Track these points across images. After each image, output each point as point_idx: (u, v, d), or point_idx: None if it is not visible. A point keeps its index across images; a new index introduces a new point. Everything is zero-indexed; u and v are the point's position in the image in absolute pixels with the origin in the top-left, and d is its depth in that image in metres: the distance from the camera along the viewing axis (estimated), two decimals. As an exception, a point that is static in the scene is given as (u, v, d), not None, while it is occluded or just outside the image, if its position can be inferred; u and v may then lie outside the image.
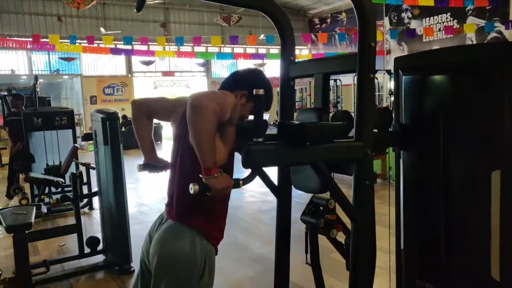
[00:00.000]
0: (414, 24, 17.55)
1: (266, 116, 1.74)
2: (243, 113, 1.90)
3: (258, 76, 2.01)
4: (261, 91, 1.52)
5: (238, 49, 21.18)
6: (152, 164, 2.07)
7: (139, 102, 2.03)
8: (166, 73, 21.36)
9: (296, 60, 2.23)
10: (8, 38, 14.84)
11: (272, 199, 6.58)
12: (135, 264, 3.93)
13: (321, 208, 2.04)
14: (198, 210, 1.84)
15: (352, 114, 1.97)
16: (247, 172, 1.63)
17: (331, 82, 15.23)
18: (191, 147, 1.62)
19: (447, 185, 1.93)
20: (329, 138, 1.73)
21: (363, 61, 1.79)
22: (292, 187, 2.19)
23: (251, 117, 1.91)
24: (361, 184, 1.82)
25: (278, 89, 2.25)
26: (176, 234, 1.82)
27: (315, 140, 1.65)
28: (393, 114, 2.14)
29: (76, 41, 14.50)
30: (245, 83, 1.93)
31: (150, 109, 2.01)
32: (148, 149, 2.06)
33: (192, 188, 1.49)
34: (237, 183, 1.57)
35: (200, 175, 1.56)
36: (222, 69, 22.94)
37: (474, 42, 15.01)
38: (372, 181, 1.90)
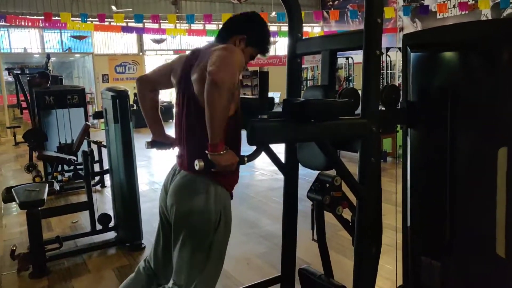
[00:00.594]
0: (428, 1, 17.17)
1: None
2: (245, 59, 1.88)
3: (254, 19, 1.99)
4: (265, 69, 1.52)
5: (249, 27, 20.95)
6: (160, 141, 2.09)
7: (140, 78, 2.05)
8: (178, 51, 21.29)
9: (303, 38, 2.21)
10: (20, 16, 14.89)
11: (282, 177, 6.59)
12: (146, 241, 4.00)
13: (327, 185, 2.05)
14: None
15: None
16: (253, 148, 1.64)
17: (343, 60, 15.06)
18: (195, 97, 1.62)
19: (454, 163, 1.93)
20: (334, 115, 1.72)
21: (369, 37, 1.78)
22: (299, 165, 2.20)
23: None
24: (367, 161, 1.82)
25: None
26: (190, 186, 1.85)
27: (320, 117, 1.64)
28: (401, 92, 2.12)
29: (88, 19, 14.49)
30: (243, 27, 1.92)
31: (150, 82, 2.02)
32: (156, 126, 2.07)
33: (198, 165, 1.51)
34: (242, 160, 1.58)
35: (206, 151, 1.57)
36: (233, 47, 22.78)
37: (489, 18, 14.67)
38: (378, 159, 1.90)
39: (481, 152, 1.87)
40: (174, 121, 2.01)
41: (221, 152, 1.55)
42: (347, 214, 2.09)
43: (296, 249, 2.39)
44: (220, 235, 1.87)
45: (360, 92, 1.88)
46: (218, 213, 1.84)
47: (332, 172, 2.04)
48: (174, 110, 2.04)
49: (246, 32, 1.89)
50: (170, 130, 2.11)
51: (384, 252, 2.11)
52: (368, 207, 1.87)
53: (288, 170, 2.28)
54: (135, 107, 4.58)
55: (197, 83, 1.76)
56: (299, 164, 2.25)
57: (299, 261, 2.65)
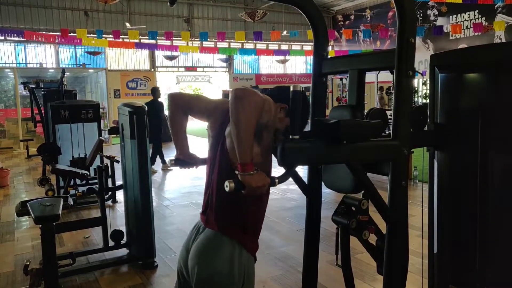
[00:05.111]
0: (440, 22, 17.22)
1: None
2: (280, 126, 1.84)
3: (299, 94, 1.96)
4: (298, 87, 1.47)
5: (260, 45, 21.14)
6: (184, 159, 2.04)
7: (177, 95, 1.99)
8: (189, 68, 21.47)
9: (330, 56, 2.17)
10: (37, 32, 15.12)
11: (295, 196, 6.58)
12: (158, 259, 3.94)
13: (353, 208, 1.99)
14: (238, 218, 1.81)
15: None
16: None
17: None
18: (228, 154, 1.58)
19: (485, 187, 1.86)
20: (365, 136, 1.67)
21: (402, 57, 1.73)
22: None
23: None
24: (397, 185, 1.77)
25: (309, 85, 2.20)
26: (215, 246, 1.79)
27: (352, 138, 1.59)
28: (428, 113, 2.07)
29: (102, 35, 14.68)
30: (286, 98, 1.88)
31: (187, 105, 1.97)
32: (181, 144, 2.03)
33: (228, 186, 1.46)
34: (273, 182, 1.53)
35: (236, 172, 1.52)
36: (244, 65, 22.94)
37: (503, 41, 14.63)
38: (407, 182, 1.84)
39: (513, 176, 1.80)
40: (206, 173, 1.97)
41: (251, 172, 1.50)
42: (370, 239, 2.03)
43: (317, 274, 2.31)
44: None
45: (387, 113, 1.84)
46: (241, 276, 1.78)
47: (357, 195, 1.99)
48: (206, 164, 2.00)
49: (288, 102, 1.86)
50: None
51: (407, 280, 2.04)
52: (399, 231, 1.80)
53: (311, 192, 2.21)
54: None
55: (230, 137, 1.72)
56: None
57: (317, 285, 2.57)
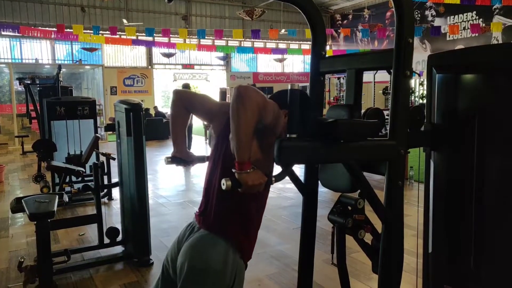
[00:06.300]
0: (437, 22, 17.26)
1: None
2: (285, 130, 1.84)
3: (296, 93, 1.95)
4: (296, 86, 1.47)
5: (258, 44, 21.13)
6: (180, 158, 2.04)
7: (182, 93, 1.98)
8: (186, 66, 21.42)
9: (327, 55, 2.17)
10: (32, 27, 15.04)
11: (291, 195, 6.58)
12: (154, 257, 3.93)
13: (350, 207, 1.99)
14: (237, 221, 1.80)
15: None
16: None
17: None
18: (231, 156, 1.58)
19: (481, 187, 1.87)
20: (362, 136, 1.67)
21: (400, 57, 1.73)
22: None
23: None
24: (394, 185, 1.77)
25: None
26: (209, 245, 1.77)
27: (350, 138, 1.59)
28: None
29: (99, 32, 14.63)
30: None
31: (192, 104, 1.95)
32: (179, 142, 2.02)
33: (225, 184, 1.45)
34: (270, 180, 1.53)
35: (233, 170, 1.52)
36: (241, 63, 22.92)
37: (500, 42, 14.68)
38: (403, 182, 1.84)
39: (509, 175, 1.81)
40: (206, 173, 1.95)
41: (248, 171, 1.50)
42: (366, 238, 2.03)
43: (313, 272, 2.31)
44: None
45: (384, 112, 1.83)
46: (232, 276, 1.76)
47: (353, 194, 1.99)
48: (207, 163, 1.98)
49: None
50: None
51: (402, 279, 2.04)
52: (394, 231, 1.81)
53: (308, 191, 2.21)
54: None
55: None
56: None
57: (313, 284, 2.58)
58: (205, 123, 2.00)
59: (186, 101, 1.95)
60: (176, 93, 1.96)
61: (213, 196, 1.84)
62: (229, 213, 1.78)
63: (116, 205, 5.97)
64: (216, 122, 1.92)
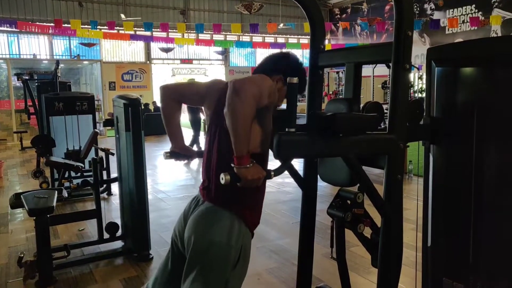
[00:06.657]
0: (436, 16, 17.21)
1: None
2: (279, 98, 1.86)
3: (292, 60, 1.97)
4: (295, 80, 1.46)
5: (257, 38, 21.06)
6: (179, 152, 2.03)
7: (168, 86, 1.99)
8: (185, 61, 21.37)
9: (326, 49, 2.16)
10: (30, 22, 14.98)
11: (290, 190, 6.58)
12: (153, 251, 3.94)
13: (349, 201, 1.99)
14: (238, 193, 1.78)
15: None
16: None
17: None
18: (227, 131, 1.57)
19: (480, 181, 1.87)
20: (361, 130, 1.67)
21: (399, 50, 1.73)
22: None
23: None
24: (393, 179, 1.77)
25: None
26: (214, 219, 1.78)
27: (349, 132, 1.59)
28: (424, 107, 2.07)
29: (97, 27, 14.57)
30: (280, 67, 1.89)
31: (179, 94, 1.96)
32: (176, 136, 2.02)
33: (224, 178, 1.46)
34: (269, 175, 1.53)
35: (232, 164, 1.52)
36: (240, 58, 22.86)
37: (499, 35, 14.66)
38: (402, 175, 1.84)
39: (508, 170, 1.81)
40: (204, 150, 1.96)
41: (247, 166, 1.50)
42: (365, 232, 2.03)
43: (312, 267, 2.31)
44: (238, 273, 1.80)
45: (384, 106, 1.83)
46: (238, 250, 1.78)
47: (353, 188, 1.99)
48: (204, 140, 1.98)
49: (283, 72, 1.86)
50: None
51: (401, 272, 2.05)
52: (394, 225, 1.81)
53: (307, 185, 2.21)
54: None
55: None
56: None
57: (312, 278, 2.58)
58: (199, 106, 2.02)
59: (174, 93, 1.96)
60: (163, 88, 1.97)
61: (213, 171, 1.85)
62: (230, 187, 1.78)
63: (115, 200, 5.97)
64: (208, 100, 1.92)
